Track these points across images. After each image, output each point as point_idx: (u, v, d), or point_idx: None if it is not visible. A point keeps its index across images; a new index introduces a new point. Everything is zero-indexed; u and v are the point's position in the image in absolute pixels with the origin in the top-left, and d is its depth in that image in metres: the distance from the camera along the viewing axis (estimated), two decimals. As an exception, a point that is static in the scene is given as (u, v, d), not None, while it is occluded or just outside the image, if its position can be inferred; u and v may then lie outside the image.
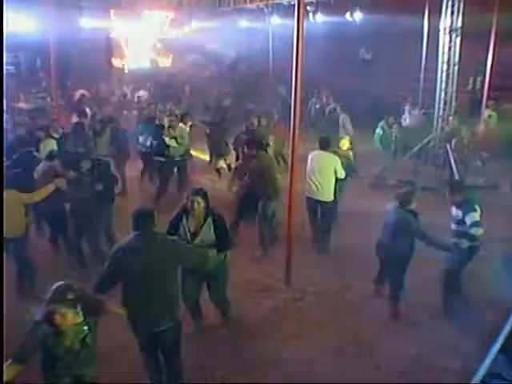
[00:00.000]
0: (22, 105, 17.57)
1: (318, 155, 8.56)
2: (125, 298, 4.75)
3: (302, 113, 7.40)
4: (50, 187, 7.28)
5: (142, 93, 18.89)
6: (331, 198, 8.48)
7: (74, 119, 13.80)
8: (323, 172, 8.38)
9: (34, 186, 7.63)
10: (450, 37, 12.28)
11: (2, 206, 5.82)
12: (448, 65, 12.43)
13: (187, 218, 5.69)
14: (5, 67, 17.48)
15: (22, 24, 15.79)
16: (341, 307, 6.96)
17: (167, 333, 4.85)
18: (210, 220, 5.67)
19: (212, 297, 6.26)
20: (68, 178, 7.76)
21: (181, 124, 11.62)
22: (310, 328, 6.47)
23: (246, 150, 9.12)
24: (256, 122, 12.59)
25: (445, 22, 12.30)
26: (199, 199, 5.58)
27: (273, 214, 8.61)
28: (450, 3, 12.11)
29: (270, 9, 18.44)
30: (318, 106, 16.90)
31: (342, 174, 8.47)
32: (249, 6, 18.18)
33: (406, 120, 15.05)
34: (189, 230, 5.64)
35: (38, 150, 10.08)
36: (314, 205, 8.59)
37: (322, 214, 8.61)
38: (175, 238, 5.36)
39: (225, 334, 6.35)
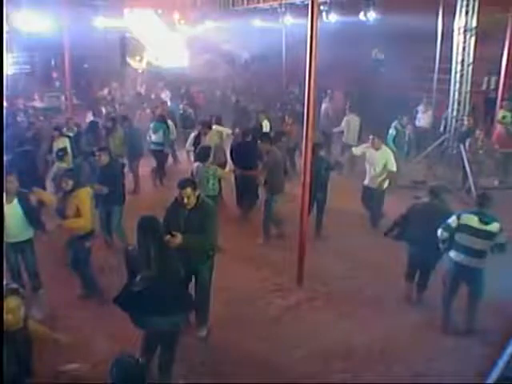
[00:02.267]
0: (36, 103, 17.72)
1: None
2: None
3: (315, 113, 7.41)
4: None
5: (156, 92, 18.98)
6: None
7: (89, 118, 13.92)
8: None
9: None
10: (465, 37, 12.20)
11: (2, 207, 5.83)
12: (462, 65, 12.36)
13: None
14: (20, 66, 17.72)
15: (37, 24, 15.90)
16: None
17: None
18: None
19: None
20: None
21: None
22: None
23: (259, 144, 9.26)
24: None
25: (459, 22, 12.23)
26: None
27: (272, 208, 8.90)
28: (464, 3, 12.04)
29: (283, 8, 18.46)
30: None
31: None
32: (262, 5, 18.19)
33: (420, 120, 14.97)
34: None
35: (51, 149, 10.20)
36: None
37: None
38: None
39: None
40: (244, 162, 9.76)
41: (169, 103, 17.18)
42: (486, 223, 5.88)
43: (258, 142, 9.30)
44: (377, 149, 9.42)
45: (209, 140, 10.29)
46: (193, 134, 11.23)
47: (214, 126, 11.01)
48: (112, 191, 8.04)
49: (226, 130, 11.70)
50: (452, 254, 6.14)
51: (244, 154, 9.96)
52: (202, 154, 8.40)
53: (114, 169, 8.41)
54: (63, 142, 10.43)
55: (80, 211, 6.62)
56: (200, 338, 6.11)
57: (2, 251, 5.86)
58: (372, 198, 9.57)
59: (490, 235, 5.87)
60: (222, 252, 8.29)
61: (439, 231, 6.20)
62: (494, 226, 5.86)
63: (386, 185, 9.40)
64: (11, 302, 3.91)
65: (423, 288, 7.03)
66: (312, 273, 7.52)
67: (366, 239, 8.91)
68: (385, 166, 9.25)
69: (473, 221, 5.94)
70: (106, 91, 19.42)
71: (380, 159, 9.33)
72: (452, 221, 6.09)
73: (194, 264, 5.77)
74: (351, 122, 13.41)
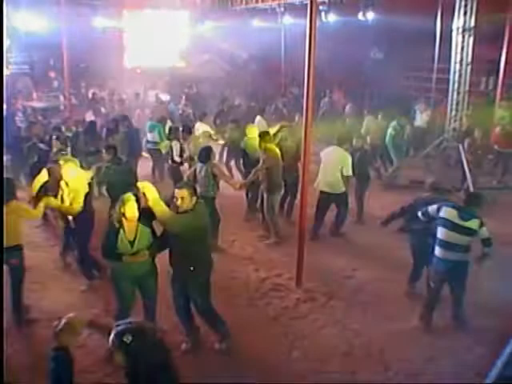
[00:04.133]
0: (35, 103, 17.71)
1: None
2: None
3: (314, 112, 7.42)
4: None
5: (155, 92, 18.97)
6: None
7: (88, 117, 13.92)
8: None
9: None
10: (463, 37, 12.23)
11: (2, 207, 5.82)
12: (461, 65, 12.38)
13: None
14: (19, 66, 17.71)
15: (36, 24, 15.90)
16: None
17: None
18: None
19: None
20: None
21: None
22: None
23: (258, 142, 9.23)
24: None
25: (458, 22, 12.25)
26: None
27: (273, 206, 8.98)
28: (463, 3, 12.06)
29: (282, 8, 18.47)
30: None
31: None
32: (261, 5, 18.22)
33: (418, 120, 14.99)
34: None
35: (50, 149, 10.19)
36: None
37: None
38: None
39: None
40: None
41: (168, 103, 17.20)
42: (465, 219, 5.90)
43: (257, 139, 9.31)
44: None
45: (193, 147, 10.17)
46: (178, 145, 10.55)
47: (197, 124, 10.88)
48: None
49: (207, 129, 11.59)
50: (436, 249, 6.16)
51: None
52: (203, 155, 8.42)
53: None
54: (62, 143, 10.43)
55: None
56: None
57: (1, 252, 5.85)
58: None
59: (469, 231, 5.89)
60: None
61: (419, 213, 6.36)
62: (472, 223, 5.88)
63: None
64: None
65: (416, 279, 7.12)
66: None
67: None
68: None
69: (452, 215, 5.97)
70: (104, 91, 19.43)
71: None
72: (431, 209, 6.19)
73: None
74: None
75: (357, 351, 5.98)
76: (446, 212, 6.03)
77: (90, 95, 18.67)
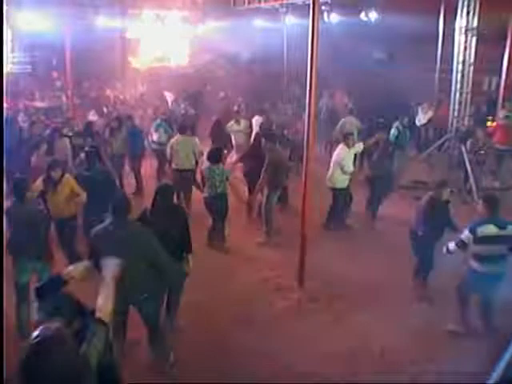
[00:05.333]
0: (37, 103, 17.71)
1: None
2: None
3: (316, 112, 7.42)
4: None
5: (158, 92, 18.99)
6: None
7: (90, 118, 13.92)
8: None
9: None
10: (466, 37, 12.20)
11: (1, 207, 5.84)
12: (463, 65, 12.35)
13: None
14: (21, 66, 17.72)
15: (38, 24, 15.89)
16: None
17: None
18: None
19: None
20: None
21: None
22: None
23: (263, 143, 9.33)
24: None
25: (460, 22, 12.23)
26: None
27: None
28: (465, 3, 12.03)
29: (284, 8, 18.47)
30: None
31: None
32: (263, 5, 18.20)
33: (421, 120, 14.97)
34: None
35: (52, 149, 10.19)
36: None
37: None
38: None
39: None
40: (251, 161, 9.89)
41: (170, 103, 17.21)
42: (504, 228, 5.80)
43: (262, 140, 9.35)
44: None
45: None
46: None
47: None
48: None
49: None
50: (474, 264, 5.99)
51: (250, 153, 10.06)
52: (213, 156, 8.45)
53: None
54: (63, 143, 10.46)
55: (76, 190, 7.43)
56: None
57: (1, 251, 5.86)
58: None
59: (508, 239, 5.81)
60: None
61: (451, 246, 6.15)
62: (511, 229, 5.80)
63: None
64: None
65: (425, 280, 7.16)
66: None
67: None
68: None
69: (491, 230, 5.80)
70: (107, 91, 19.44)
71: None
72: (466, 237, 5.93)
73: None
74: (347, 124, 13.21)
75: (359, 352, 5.97)
76: (485, 230, 5.82)
77: (94, 95, 18.68)
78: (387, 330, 6.28)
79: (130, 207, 5.16)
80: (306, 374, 5.52)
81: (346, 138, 9.40)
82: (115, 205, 5.05)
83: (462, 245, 5.99)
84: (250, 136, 12.06)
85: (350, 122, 12.98)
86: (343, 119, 13.15)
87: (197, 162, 10.16)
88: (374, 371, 5.61)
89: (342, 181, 9.28)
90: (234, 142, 12.41)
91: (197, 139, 10.67)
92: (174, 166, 10.30)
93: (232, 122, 12.61)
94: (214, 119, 13.43)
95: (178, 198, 9.72)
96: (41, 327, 2.82)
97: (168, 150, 10.31)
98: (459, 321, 6.32)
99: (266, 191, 9.04)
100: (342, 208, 9.54)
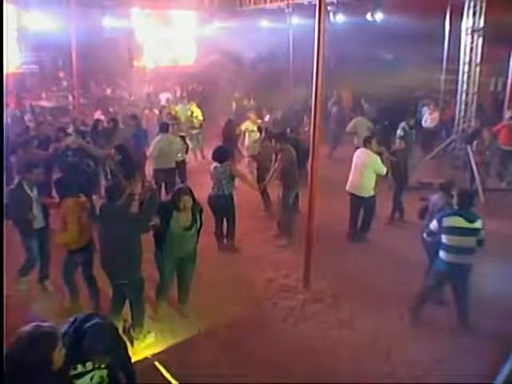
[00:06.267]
0: (43, 103, 17.79)
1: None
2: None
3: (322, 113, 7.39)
4: None
5: (163, 92, 19.02)
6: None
7: (96, 117, 13.96)
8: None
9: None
10: (472, 37, 12.21)
11: (2, 206, 5.84)
12: (469, 66, 12.35)
13: (177, 213, 6.04)
14: (28, 66, 17.79)
15: (45, 24, 15.98)
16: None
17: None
18: (197, 214, 6.21)
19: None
20: None
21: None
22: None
23: (273, 143, 9.33)
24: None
25: (467, 23, 12.21)
26: (187, 198, 6.01)
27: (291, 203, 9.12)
28: (472, 4, 12.03)
29: (290, 9, 18.46)
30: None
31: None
32: (269, 5, 18.23)
33: (427, 121, 14.94)
34: (181, 225, 6.06)
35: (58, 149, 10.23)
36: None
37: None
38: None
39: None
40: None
41: (176, 103, 17.22)
42: (472, 221, 5.96)
43: (272, 140, 9.36)
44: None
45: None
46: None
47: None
48: None
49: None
50: (442, 254, 6.16)
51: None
52: (218, 155, 8.45)
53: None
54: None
55: (66, 224, 6.30)
56: None
57: (2, 250, 5.87)
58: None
59: (475, 232, 5.96)
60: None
61: (424, 235, 6.48)
62: (478, 223, 5.97)
63: None
64: None
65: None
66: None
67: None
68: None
69: (458, 222, 5.98)
70: (113, 91, 19.51)
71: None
72: (433, 226, 6.20)
73: None
74: (359, 125, 13.22)
75: (364, 353, 5.98)
76: (452, 220, 6.02)
77: (100, 94, 18.75)
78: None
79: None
80: (312, 374, 5.54)
81: (367, 142, 9.00)
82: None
83: (430, 233, 6.30)
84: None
85: (361, 123, 12.93)
86: (354, 120, 13.11)
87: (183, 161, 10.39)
88: (379, 372, 5.63)
89: (369, 188, 8.84)
90: (246, 142, 12.25)
91: (178, 139, 10.77)
92: (155, 165, 10.44)
93: (248, 122, 12.51)
94: (227, 119, 13.28)
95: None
96: (34, 324, 3.09)
97: (150, 149, 10.41)
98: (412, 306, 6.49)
99: (280, 192, 9.01)
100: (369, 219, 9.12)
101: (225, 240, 8.76)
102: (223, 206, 8.43)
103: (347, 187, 8.99)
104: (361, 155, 8.95)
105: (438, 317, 6.52)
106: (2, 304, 5.06)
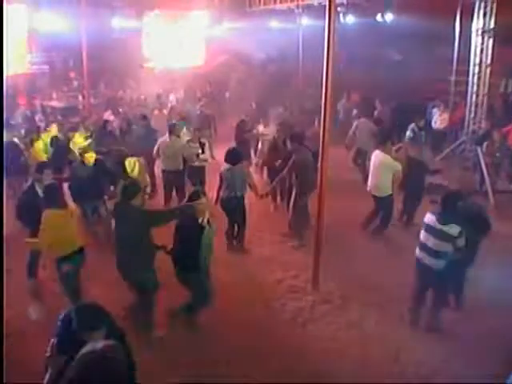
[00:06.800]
0: (54, 103, 17.89)
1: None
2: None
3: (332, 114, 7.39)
4: None
5: (173, 92, 19.08)
6: None
7: (106, 117, 14.02)
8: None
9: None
10: (483, 38, 12.15)
11: (1, 206, 5.88)
12: (480, 67, 12.29)
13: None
14: (39, 66, 17.90)
15: (56, 24, 16.06)
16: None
17: None
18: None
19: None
20: None
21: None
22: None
23: (288, 143, 9.35)
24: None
25: (477, 24, 12.16)
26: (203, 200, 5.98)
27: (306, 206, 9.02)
28: (482, 4, 11.99)
29: (300, 10, 18.44)
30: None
31: None
32: (279, 6, 18.23)
33: (437, 123, 14.89)
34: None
35: (69, 148, 10.32)
36: None
37: None
38: None
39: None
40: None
41: (185, 104, 17.29)
42: (444, 224, 5.88)
43: (287, 141, 9.36)
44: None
45: None
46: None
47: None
48: None
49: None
50: (416, 251, 6.27)
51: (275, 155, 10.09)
52: (232, 156, 8.43)
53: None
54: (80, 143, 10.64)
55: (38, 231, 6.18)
56: None
57: (2, 248, 5.90)
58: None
59: (448, 237, 5.85)
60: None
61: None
62: (453, 230, 5.82)
63: None
64: None
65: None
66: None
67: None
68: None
69: (431, 220, 6.03)
70: (123, 91, 19.59)
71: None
72: (426, 219, 6.25)
73: None
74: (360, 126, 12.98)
75: (372, 354, 5.97)
76: (427, 217, 6.14)
77: (110, 95, 18.83)
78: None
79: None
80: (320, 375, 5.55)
81: (383, 145, 9.22)
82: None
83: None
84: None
85: (364, 125, 12.86)
86: (356, 122, 13.04)
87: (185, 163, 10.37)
88: (388, 372, 5.63)
89: (386, 187, 8.98)
90: (259, 145, 12.19)
91: (184, 142, 10.74)
92: (162, 166, 10.55)
93: (261, 126, 12.50)
94: (239, 120, 13.22)
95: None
96: (89, 345, 3.00)
97: (155, 150, 10.46)
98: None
99: (294, 193, 8.98)
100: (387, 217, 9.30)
101: (234, 241, 8.76)
102: (235, 208, 8.44)
103: (368, 188, 9.29)
104: (379, 155, 9.11)
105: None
106: (1, 304, 5.08)
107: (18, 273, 7.01)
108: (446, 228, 5.85)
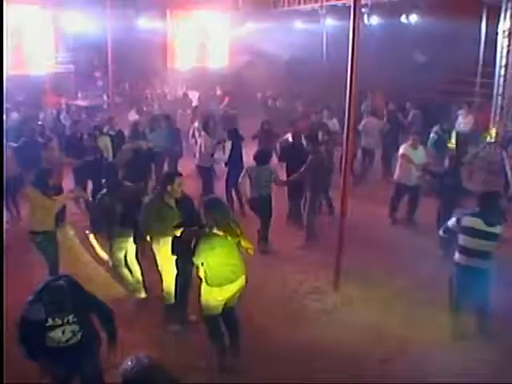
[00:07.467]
0: (79, 102, 18.12)
1: None
2: None
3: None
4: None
5: (197, 92, 19.20)
6: None
7: (132, 116, 14.15)
8: None
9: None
10: (509, 40, 12.00)
11: (1, 205, 5.93)
12: (506, 69, 12.15)
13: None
14: (65, 66, 18.16)
15: (82, 25, 16.26)
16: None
17: None
18: None
19: None
20: None
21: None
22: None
23: (305, 144, 9.50)
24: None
25: (503, 25, 12.03)
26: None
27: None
28: (509, 5, 11.85)
29: (324, 10, 18.38)
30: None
31: None
32: (303, 7, 18.21)
33: (461, 125, 14.73)
34: None
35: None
36: None
37: None
38: None
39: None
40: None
41: (209, 104, 17.37)
42: (492, 225, 5.82)
43: (305, 142, 9.43)
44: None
45: None
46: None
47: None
48: None
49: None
50: (457, 257, 6.10)
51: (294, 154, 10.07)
52: (261, 157, 8.59)
53: None
54: (104, 141, 10.74)
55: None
56: None
57: (1, 247, 5.95)
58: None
59: (494, 237, 5.83)
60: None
61: (440, 232, 6.54)
62: (498, 228, 5.82)
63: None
64: None
65: None
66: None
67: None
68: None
69: (477, 223, 5.87)
70: (148, 91, 19.76)
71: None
72: (451, 224, 6.20)
73: None
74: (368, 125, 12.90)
75: (394, 357, 5.95)
76: (470, 221, 5.92)
77: (134, 94, 19.02)
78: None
79: None
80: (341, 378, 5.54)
81: (413, 140, 9.82)
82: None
83: (447, 231, 6.33)
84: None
85: (372, 124, 12.84)
86: (363, 120, 12.97)
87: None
88: (408, 376, 5.60)
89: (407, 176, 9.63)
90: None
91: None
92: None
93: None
94: (263, 120, 13.23)
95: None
96: (132, 358, 2.98)
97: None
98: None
99: (308, 195, 9.02)
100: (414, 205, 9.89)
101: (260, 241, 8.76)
102: (262, 208, 8.53)
103: (394, 177, 10.06)
104: (406, 147, 9.83)
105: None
106: (1, 304, 5.14)
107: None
108: (490, 228, 5.81)
